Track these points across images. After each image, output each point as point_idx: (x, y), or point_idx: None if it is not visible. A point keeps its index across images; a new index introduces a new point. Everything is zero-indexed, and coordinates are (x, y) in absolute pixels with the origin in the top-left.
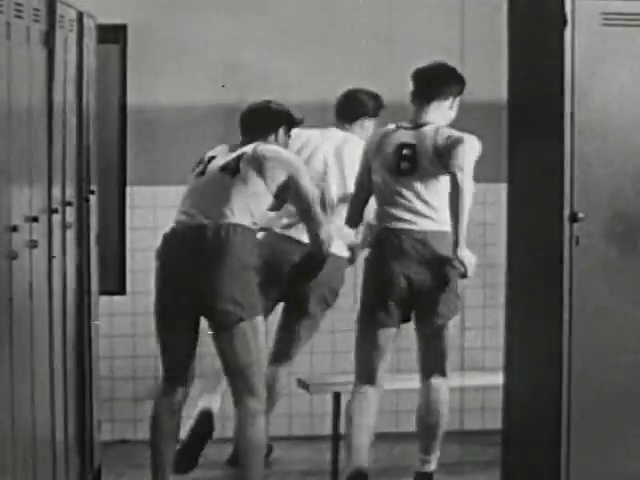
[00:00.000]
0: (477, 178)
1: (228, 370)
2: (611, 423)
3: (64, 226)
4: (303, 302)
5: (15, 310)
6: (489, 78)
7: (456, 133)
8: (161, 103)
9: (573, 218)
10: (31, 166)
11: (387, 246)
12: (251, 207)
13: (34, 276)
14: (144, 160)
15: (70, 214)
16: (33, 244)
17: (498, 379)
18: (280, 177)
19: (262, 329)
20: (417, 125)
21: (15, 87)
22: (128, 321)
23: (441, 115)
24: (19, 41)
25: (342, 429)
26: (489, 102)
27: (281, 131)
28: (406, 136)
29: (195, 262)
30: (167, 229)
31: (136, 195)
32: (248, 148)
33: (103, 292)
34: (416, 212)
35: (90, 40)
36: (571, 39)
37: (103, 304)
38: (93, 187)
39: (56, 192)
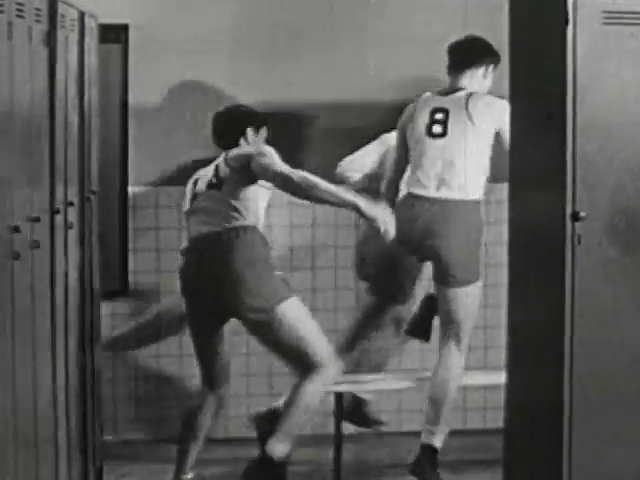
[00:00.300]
0: None
1: (279, 356)
2: (613, 422)
3: (66, 226)
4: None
5: (17, 310)
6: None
7: (489, 98)
8: (163, 103)
9: (575, 217)
10: (33, 166)
11: (406, 212)
12: (248, 205)
13: (36, 276)
14: (146, 160)
15: (72, 214)
16: (35, 244)
17: (500, 378)
18: (247, 163)
19: (295, 308)
20: (451, 91)
21: (17, 87)
22: (130, 321)
23: (475, 82)
24: (21, 41)
25: (345, 429)
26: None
27: (249, 132)
28: (440, 101)
29: (210, 269)
30: (182, 247)
31: (138, 195)
32: (219, 160)
33: (105, 292)
34: (440, 179)
35: (92, 40)
36: (573, 38)
37: (105, 304)
38: (95, 187)
39: (58, 192)
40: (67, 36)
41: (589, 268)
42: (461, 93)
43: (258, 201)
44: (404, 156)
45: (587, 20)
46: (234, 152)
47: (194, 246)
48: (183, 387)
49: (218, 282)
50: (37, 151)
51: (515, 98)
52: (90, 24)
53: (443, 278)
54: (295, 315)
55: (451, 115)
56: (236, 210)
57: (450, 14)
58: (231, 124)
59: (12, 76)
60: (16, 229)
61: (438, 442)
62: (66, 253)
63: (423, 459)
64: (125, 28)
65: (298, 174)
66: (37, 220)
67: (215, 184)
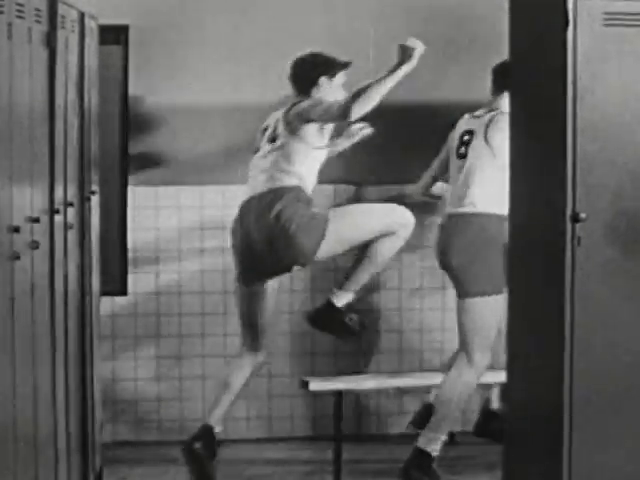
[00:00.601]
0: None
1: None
2: (613, 424)
3: (65, 227)
4: None
5: (17, 311)
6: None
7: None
8: (163, 104)
9: (575, 218)
10: (32, 167)
11: (440, 228)
12: (294, 166)
13: (35, 277)
14: (146, 160)
15: (71, 215)
16: (35, 245)
17: (500, 380)
18: (303, 118)
19: (336, 227)
20: (484, 113)
21: (17, 88)
22: (129, 322)
23: None
24: (21, 42)
25: (345, 430)
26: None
27: (323, 80)
28: (470, 123)
29: (255, 229)
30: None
31: (137, 195)
32: (281, 112)
33: (104, 293)
34: (458, 196)
35: (92, 41)
36: (573, 39)
37: (104, 305)
38: (94, 187)
39: (58, 193)
40: (67, 37)
41: (589, 269)
42: (488, 115)
43: (306, 162)
44: (438, 170)
45: (587, 21)
46: (294, 108)
47: (243, 206)
48: (183, 389)
49: (263, 241)
50: (37, 152)
51: (515, 99)
52: (90, 25)
53: (456, 288)
54: (341, 227)
55: (474, 137)
56: (282, 171)
57: (452, 13)
58: (305, 71)
59: (12, 77)
60: (16, 229)
61: (432, 449)
62: (66, 254)
63: (413, 463)
64: (125, 29)
65: (347, 98)
66: (37, 220)
67: (272, 137)
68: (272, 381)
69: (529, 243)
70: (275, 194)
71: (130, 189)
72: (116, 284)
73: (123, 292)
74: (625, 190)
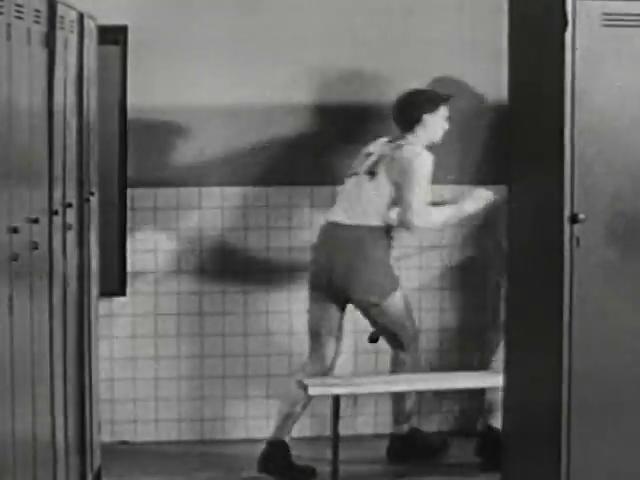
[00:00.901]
0: (479, 181)
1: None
2: (612, 424)
3: (64, 227)
4: None
5: (15, 311)
6: (490, 79)
7: None
8: (162, 104)
9: (574, 219)
10: (31, 168)
11: None
12: (383, 206)
13: (35, 277)
14: (145, 161)
15: (71, 216)
16: (34, 245)
17: (498, 380)
18: (397, 179)
19: (398, 301)
20: None
21: (16, 88)
22: (128, 322)
23: None
24: (20, 42)
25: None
26: (490, 103)
27: (426, 117)
28: None
29: (334, 257)
30: (322, 224)
31: (136, 196)
32: (388, 149)
33: (103, 293)
34: None
35: (91, 41)
36: (572, 39)
37: (103, 305)
38: (93, 188)
39: (57, 194)
40: (66, 37)
41: (588, 270)
42: None
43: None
44: None
45: (586, 22)
46: (399, 152)
47: (329, 229)
48: (181, 389)
49: (338, 271)
50: (36, 152)
51: (514, 100)
52: (89, 25)
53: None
54: (397, 307)
55: None
56: (374, 207)
57: (451, 14)
58: (409, 109)
59: (11, 77)
60: (15, 230)
61: None
62: (65, 254)
63: None
64: (124, 30)
65: (415, 216)
66: (36, 221)
67: (371, 171)
68: (270, 381)
69: (528, 244)
70: (363, 233)
71: (129, 190)
72: (115, 285)
73: (122, 293)
74: (624, 191)
